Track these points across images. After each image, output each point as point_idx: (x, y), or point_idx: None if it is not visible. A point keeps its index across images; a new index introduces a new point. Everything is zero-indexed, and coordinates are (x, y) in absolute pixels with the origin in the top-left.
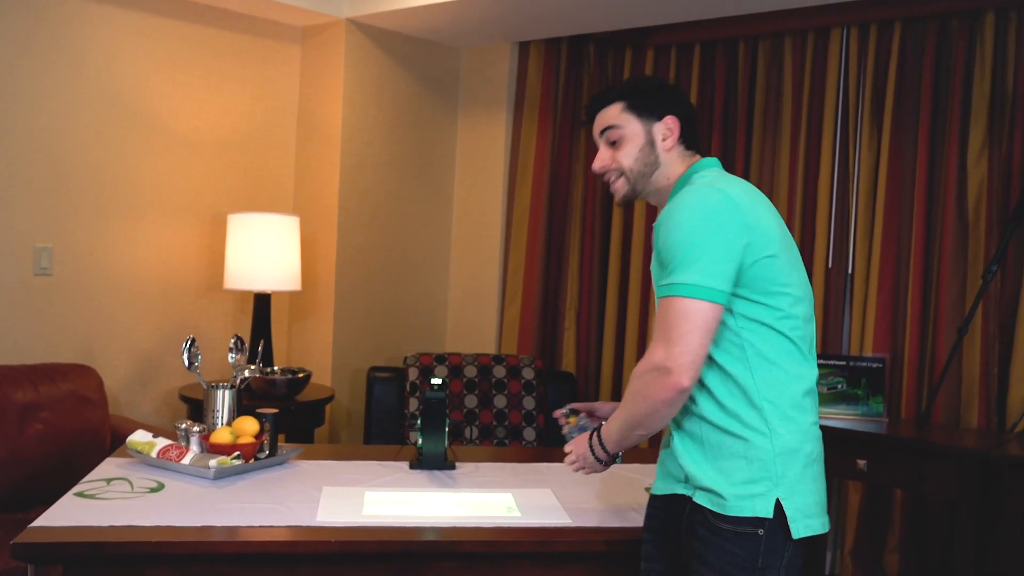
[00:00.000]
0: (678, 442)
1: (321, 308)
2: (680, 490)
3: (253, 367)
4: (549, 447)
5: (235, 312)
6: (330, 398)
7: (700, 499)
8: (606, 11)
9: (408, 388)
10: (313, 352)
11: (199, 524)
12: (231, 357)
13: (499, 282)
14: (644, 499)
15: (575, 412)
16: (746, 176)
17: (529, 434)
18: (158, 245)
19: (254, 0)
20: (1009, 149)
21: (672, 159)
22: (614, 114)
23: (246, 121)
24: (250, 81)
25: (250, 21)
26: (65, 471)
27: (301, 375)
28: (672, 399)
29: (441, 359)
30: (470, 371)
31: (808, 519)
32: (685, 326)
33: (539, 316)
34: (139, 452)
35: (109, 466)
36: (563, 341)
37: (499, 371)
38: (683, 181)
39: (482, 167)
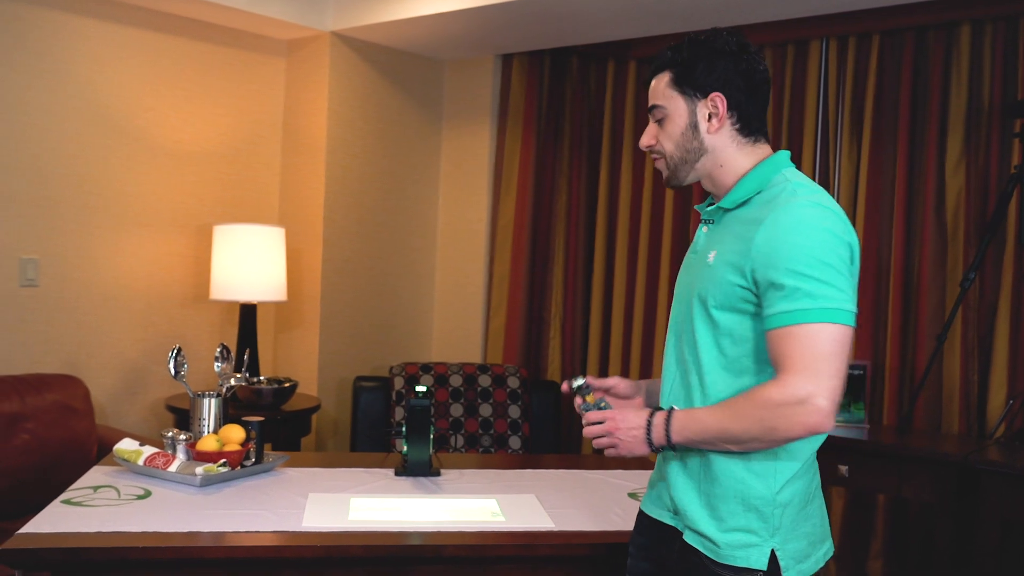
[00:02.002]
0: (673, 473)
1: (307, 318)
2: (668, 521)
3: (239, 376)
4: (535, 455)
5: (221, 323)
6: (316, 408)
7: (691, 540)
8: (588, 25)
9: (394, 397)
10: (299, 362)
11: (186, 530)
12: (217, 366)
13: (484, 292)
14: (627, 504)
15: (588, 388)
16: None
17: (515, 442)
18: (144, 256)
19: (239, 14)
20: (986, 159)
21: (724, 147)
22: (660, 89)
23: (231, 133)
24: (235, 94)
25: (235, 34)
26: (51, 481)
27: (287, 385)
28: (806, 436)
29: (427, 368)
30: (455, 380)
31: (800, 564)
32: (835, 356)
33: (524, 325)
34: (126, 460)
35: (96, 474)
36: (548, 350)
37: (484, 380)
38: (764, 180)
39: (466, 178)
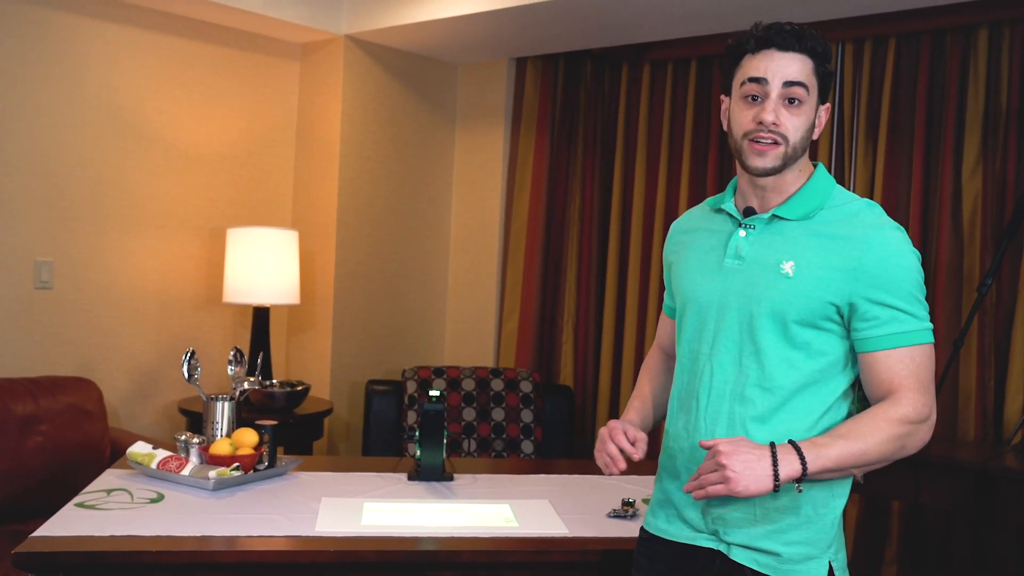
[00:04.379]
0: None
1: (319, 322)
2: (704, 543)
3: (252, 379)
4: (547, 459)
5: (234, 326)
6: (328, 411)
7: (741, 558)
8: (602, 28)
9: (406, 401)
10: (311, 365)
11: (199, 534)
12: (230, 369)
13: (497, 296)
14: (642, 510)
15: None
16: None
17: (527, 447)
18: (158, 259)
19: (253, 17)
20: (1003, 163)
21: (807, 154)
22: (807, 71)
23: (245, 136)
24: (249, 97)
25: (250, 38)
26: (65, 483)
27: (300, 388)
28: (923, 445)
29: (439, 372)
30: (468, 384)
31: (845, 573)
32: (933, 372)
33: (537, 329)
34: (139, 463)
35: (109, 477)
36: (561, 354)
37: (497, 384)
38: (826, 195)
39: (480, 182)
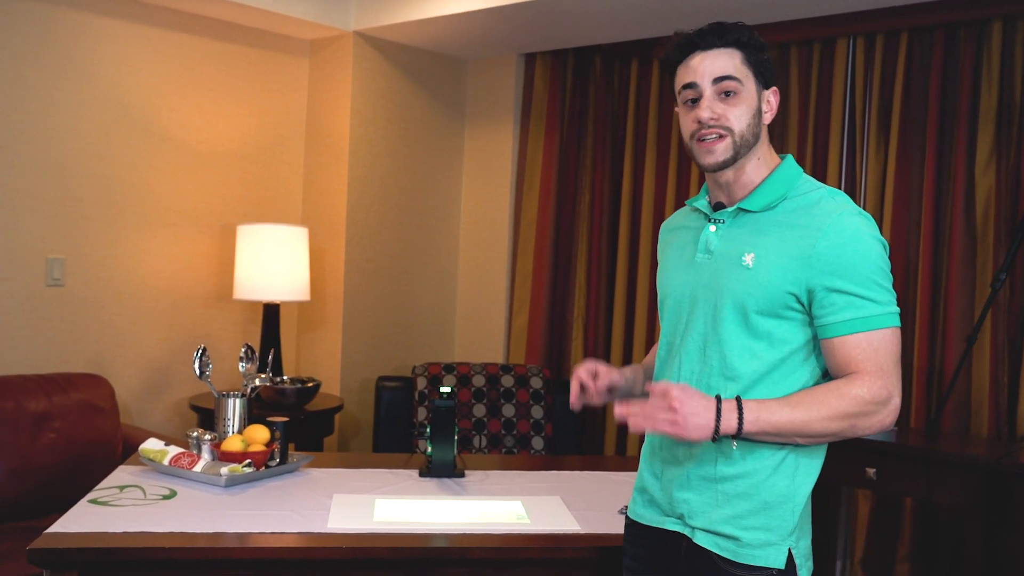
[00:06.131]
0: (680, 476)
1: (330, 318)
2: (671, 526)
3: (263, 376)
4: (558, 455)
5: (244, 322)
6: (339, 407)
7: (704, 541)
8: (611, 24)
9: (416, 397)
10: (322, 362)
11: (211, 531)
12: (241, 366)
13: (507, 292)
14: None
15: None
16: None
17: (537, 443)
18: (168, 256)
19: (263, 14)
20: (1017, 158)
21: (765, 140)
22: (735, 64)
23: (255, 133)
24: (259, 94)
25: (259, 35)
26: (77, 480)
27: (310, 384)
28: (876, 433)
29: (449, 368)
30: (478, 380)
31: (808, 561)
32: (899, 358)
33: (547, 325)
34: (151, 460)
35: (122, 474)
36: (571, 350)
37: (507, 380)
38: (790, 185)
39: (489, 178)
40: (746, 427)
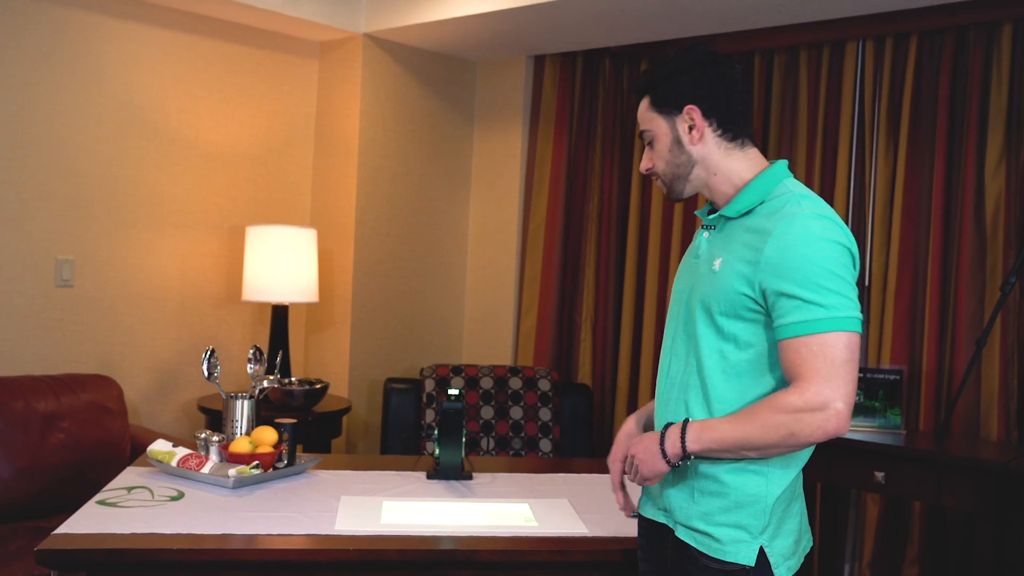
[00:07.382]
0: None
1: (338, 320)
2: (661, 519)
3: (271, 378)
4: (566, 458)
5: (253, 324)
6: (347, 409)
7: (683, 535)
8: (621, 26)
9: (424, 399)
10: (330, 363)
11: (219, 532)
12: (250, 368)
13: (515, 294)
14: None
15: None
16: None
17: (545, 445)
18: (177, 257)
19: (272, 16)
20: None
21: (712, 154)
22: (642, 113)
23: (264, 135)
24: (268, 95)
25: (268, 36)
26: (86, 481)
27: (319, 386)
28: (823, 440)
29: (457, 370)
30: (486, 382)
31: (788, 560)
32: (849, 363)
33: (555, 328)
34: (159, 461)
35: (130, 475)
36: (579, 353)
37: (515, 382)
38: (767, 190)
39: (498, 180)
40: (689, 447)
